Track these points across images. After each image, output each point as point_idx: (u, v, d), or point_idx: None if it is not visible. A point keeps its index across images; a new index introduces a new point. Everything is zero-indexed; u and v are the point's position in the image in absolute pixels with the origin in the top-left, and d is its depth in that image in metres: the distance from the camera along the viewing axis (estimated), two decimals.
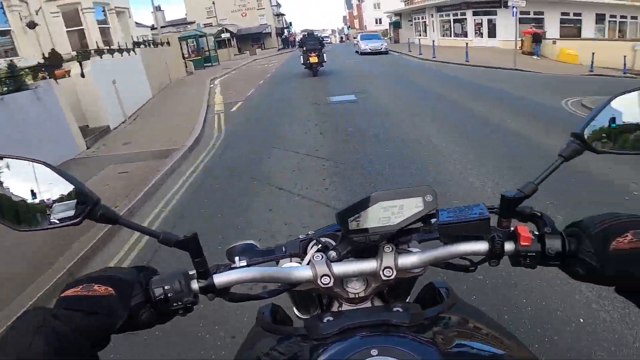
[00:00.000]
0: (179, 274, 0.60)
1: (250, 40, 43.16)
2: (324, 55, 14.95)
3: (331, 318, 0.61)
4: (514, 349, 0.61)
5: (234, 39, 40.19)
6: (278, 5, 53.65)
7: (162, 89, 15.04)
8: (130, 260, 3.45)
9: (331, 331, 0.58)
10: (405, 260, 0.63)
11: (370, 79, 13.56)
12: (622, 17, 26.03)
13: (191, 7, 43.70)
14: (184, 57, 23.01)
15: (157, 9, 25.74)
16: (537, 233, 0.61)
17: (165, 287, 0.58)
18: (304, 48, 14.78)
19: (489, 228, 0.61)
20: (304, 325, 0.64)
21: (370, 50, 24.93)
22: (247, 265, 0.65)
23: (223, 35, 34.35)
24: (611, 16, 25.54)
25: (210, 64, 26.03)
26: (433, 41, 21.56)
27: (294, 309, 0.81)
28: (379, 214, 0.60)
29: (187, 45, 25.67)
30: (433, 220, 0.62)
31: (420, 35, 31.02)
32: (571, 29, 24.70)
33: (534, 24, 22.42)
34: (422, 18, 31.32)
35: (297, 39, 41.59)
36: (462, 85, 11.94)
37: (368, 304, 0.70)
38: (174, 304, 0.59)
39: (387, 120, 7.62)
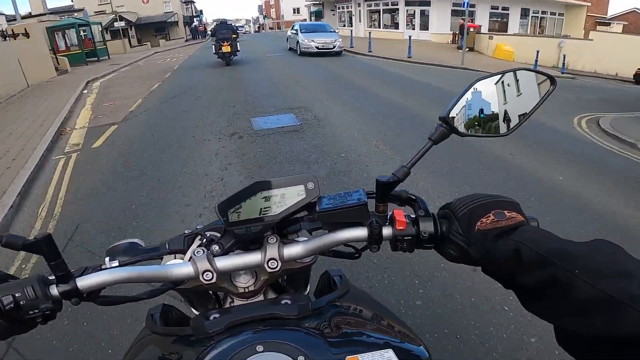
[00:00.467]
0: (33, 279, 0.54)
1: (153, 30, 37.38)
2: (238, 44, 14.34)
3: (217, 315, 0.61)
4: (402, 335, 0.63)
5: (132, 29, 34.31)
6: None
7: (9, 97, 10.41)
8: None
9: (217, 329, 0.57)
10: (290, 251, 0.62)
11: (306, 84, 10.22)
12: (542, 12, 25.99)
13: None
14: (55, 52, 17.75)
15: None
16: (412, 216, 0.61)
17: (16, 295, 0.52)
18: (216, 37, 14.05)
19: (367, 213, 0.60)
20: (190, 325, 0.62)
21: (317, 50, 16.44)
22: (120, 265, 0.61)
23: (117, 25, 28.61)
24: (534, 11, 25.29)
25: (96, 59, 20.80)
26: (369, 33, 18.86)
27: (191, 307, 0.75)
28: (260, 204, 0.59)
29: (64, 37, 20.16)
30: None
31: (344, 26, 28.55)
32: (498, 23, 23.95)
33: (462, 17, 21.08)
34: (348, 8, 28.79)
35: (208, 29, 36.47)
36: (422, 92, 9.28)
37: (260, 298, 0.69)
38: (30, 312, 0.53)
39: (366, 171, 4.44)
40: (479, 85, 0.66)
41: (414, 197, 0.64)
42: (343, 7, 29.76)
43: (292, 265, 0.64)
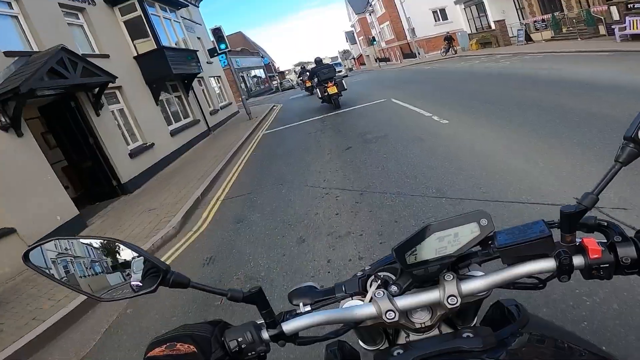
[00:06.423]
0: (249, 325, 0.63)
1: None
2: (344, 82, 13.09)
3: (401, 350, 0.62)
4: None
5: None
6: None
7: None
8: None
9: None
10: (469, 286, 0.62)
11: None
12: None
13: None
14: None
15: None
16: (605, 242, 0.59)
17: (239, 339, 0.61)
18: (319, 78, 12.93)
19: (552, 245, 0.59)
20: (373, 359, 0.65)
21: None
22: (312, 310, 0.67)
23: None
24: None
25: None
26: None
27: (360, 342, 0.80)
28: (434, 245, 0.60)
29: None
30: (491, 243, 0.62)
31: None
32: None
33: None
34: None
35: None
36: None
37: (436, 332, 0.68)
38: (248, 354, 0.61)
39: None
40: None
41: (605, 223, 0.61)
42: None
43: (468, 299, 0.63)
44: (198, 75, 16.25)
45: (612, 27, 14.07)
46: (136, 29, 11.58)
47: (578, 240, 0.60)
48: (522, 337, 0.62)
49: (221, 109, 18.95)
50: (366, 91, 16.83)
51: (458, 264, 0.65)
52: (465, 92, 10.06)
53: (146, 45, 11.68)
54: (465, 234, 0.60)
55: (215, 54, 16.81)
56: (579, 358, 0.59)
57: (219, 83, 21.27)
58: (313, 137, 9.28)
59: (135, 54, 11.52)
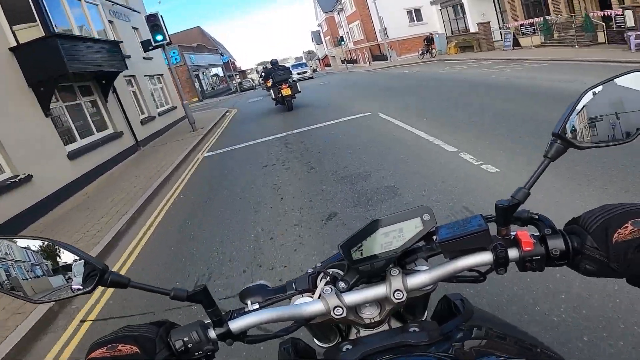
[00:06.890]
0: (195, 324, 0.61)
1: None
2: (297, 85, 13.36)
3: (350, 346, 0.62)
4: (536, 353, 0.60)
5: None
6: None
7: None
8: None
9: (352, 359, 0.58)
10: (414, 281, 0.63)
11: None
12: None
13: None
14: None
15: None
16: (537, 235, 0.61)
17: (185, 339, 0.59)
18: (273, 80, 12.94)
19: (489, 238, 0.60)
20: (324, 357, 0.65)
21: None
22: (260, 308, 0.66)
23: None
24: None
25: None
26: None
27: (314, 339, 0.77)
28: (380, 240, 0.61)
29: None
30: (434, 238, 0.63)
31: None
32: None
33: None
34: None
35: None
36: None
37: (385, 327, 0.69)
38: (195, 354, 0.60)
39: None
40: (589, 94, 0.63)
41: (537, 217, 0.62)
42: None
43: (415, 294, 0.64)
44: (127, 75, 12.66)
45: (628, 34, 11.92)
46: (19, 11, 7.96)
47: (513, 233, 0.62)
48: (466, 331, 0.63)
49: (160, 115, 15.30)
50: (340, 98, 13.90)
51: (404, 259, 0.66)
52: (489, 111, 7.26)
53: (32, 32, 8.08)
54: (410, 229, 0.61)
55: (150, 48, 13.20)
56: (519, 350, 0.60)
57: (160, 83, 17.54)
58: (270, 177, 6.12)
59: (15, 45, 7.88)
